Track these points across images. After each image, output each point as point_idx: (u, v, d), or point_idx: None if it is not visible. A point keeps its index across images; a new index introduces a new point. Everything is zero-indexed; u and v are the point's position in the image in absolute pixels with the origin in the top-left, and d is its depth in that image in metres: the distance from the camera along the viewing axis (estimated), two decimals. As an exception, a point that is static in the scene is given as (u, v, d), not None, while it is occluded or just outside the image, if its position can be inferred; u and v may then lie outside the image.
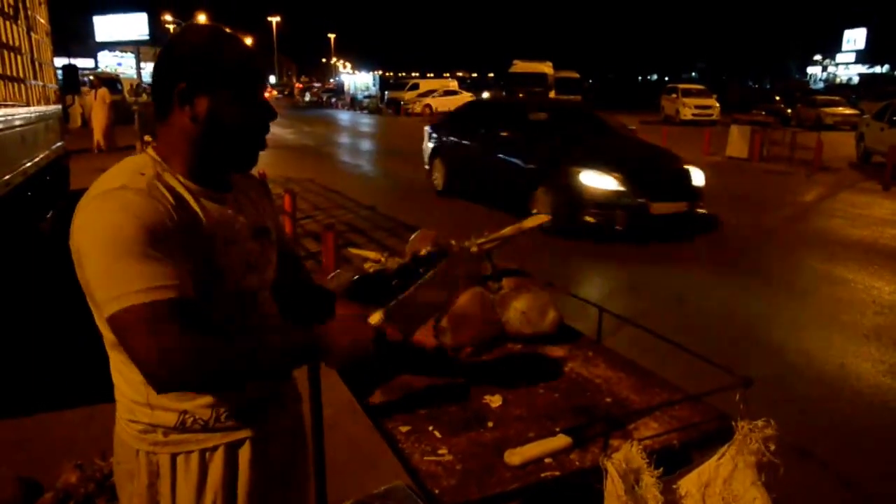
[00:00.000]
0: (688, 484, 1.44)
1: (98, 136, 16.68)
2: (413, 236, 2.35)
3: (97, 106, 16.86)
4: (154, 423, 1.43)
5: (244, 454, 1.51)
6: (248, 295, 1.49)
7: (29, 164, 6.21)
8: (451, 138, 11.30)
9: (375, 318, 1.44)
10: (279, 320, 1.62)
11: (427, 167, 11.92)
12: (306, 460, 1.82)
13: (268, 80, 1.56)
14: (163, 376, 1.22)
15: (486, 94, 51.09)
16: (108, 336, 1.39)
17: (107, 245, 1.24)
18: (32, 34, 6.95)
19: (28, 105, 6.45)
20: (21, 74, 6.22)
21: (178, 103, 1.38)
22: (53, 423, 3.79)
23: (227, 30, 1.45)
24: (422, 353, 1.60)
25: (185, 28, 1.46)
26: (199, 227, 1.37)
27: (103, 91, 17.22)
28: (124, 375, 1.43)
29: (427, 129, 12.13)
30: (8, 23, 5.91)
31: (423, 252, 2.12)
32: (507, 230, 2.10)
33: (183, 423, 1.43)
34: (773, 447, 1.37)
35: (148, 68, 49.96)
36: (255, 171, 1.61)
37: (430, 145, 11.78)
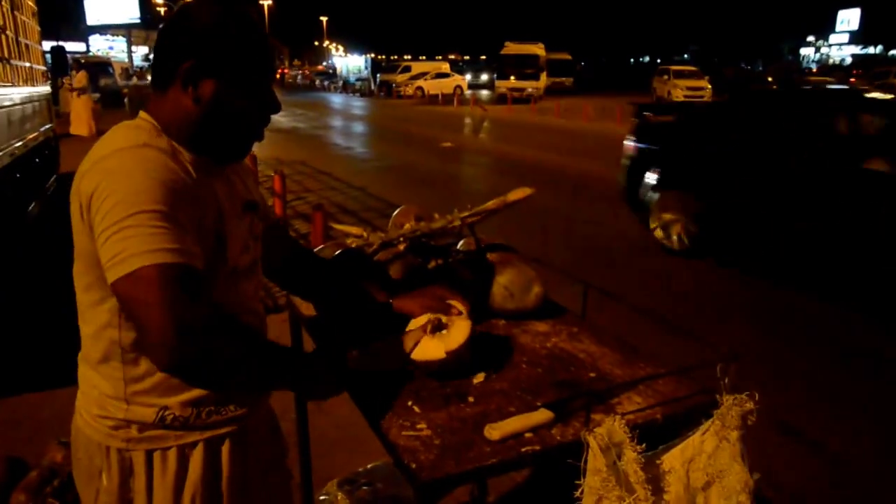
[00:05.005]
0: (671, 459, 1.43)
1: (82, 120, 16.39)
2: (396, 212, 2.33)
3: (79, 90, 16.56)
4: (129, 419, 1.37)
5: (225, 450, 1.46)
6: (241, 273, 1.45)
7: (18, 145, 6.15)
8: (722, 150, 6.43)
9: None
10: (261, 307, 1.59)
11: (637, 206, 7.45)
12: (285, 448, 1.79)
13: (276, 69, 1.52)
14: (177, 350, 1.11)
15: (484, 76, 50.95)
16: (93, 318, 1.35)
17: (130, 202, 1.16)
18: (17, 14, 6.85)
19: (14, 85, 6.37)
20: (5, 54, 6.14)
21: (181, 81, 1.31)
22: (42, 403, 3.78)
23: (245, 10, 1.36)
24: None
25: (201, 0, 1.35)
26: (210, 198, 1.33)
27: (82, 74, 16.90)
28: (98, 369, 1.38)
29: (633, 144, 7.55)
30: (-11, 2, 5.83)
31: (408, 226, 2.10)
32: (491, 203, 2.07)
33: (162, 420, 1.37)
34: (751, 420, 1.35)
35: (139, 52, 49.67)
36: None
37: (652, 176, 7.13)
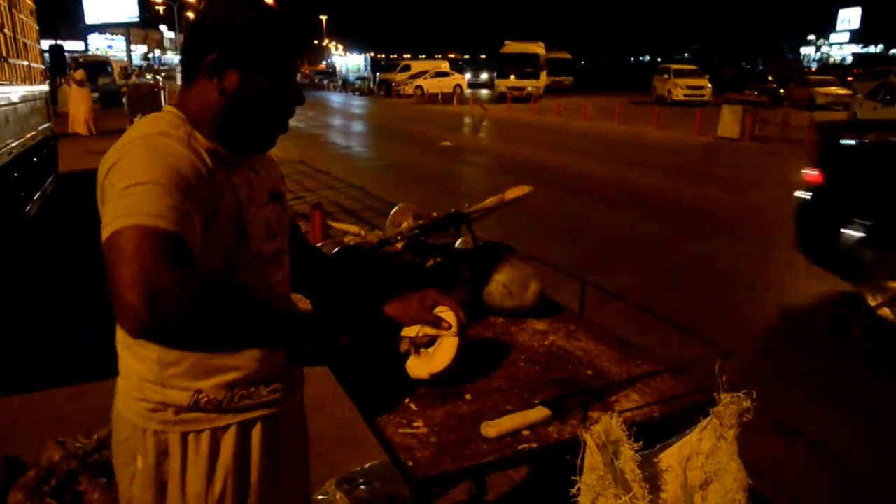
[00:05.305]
0: (669, 457, 1.42)
1: (80, 120, 16.35)
2: (394, 210, 2.32)
3: (76, 89, 16.52)
4: (165, 402, 1.38)
5: (256, 434, 1.48)
6: (265, 260, 1.46)
7: (14, 144, 6.14)
8: None
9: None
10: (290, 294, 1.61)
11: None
12: (307, 440, 1.79)
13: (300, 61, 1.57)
14: (143, 313, 1.08)
15: (484, 75, 50.98)
16: None
17: (133, 176, 1.19)
18: (15, 12, 6.84)
19: (12, 84, 6.36)
20: (3, 52, 6.13)
21: (206, 73, 1.34)
22: (39, 402, 3.78)
23: (269, 3, 1.40)
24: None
25: None
26: (226, 187, 1.35)
27: (80, 72, 16.85)
28: (135, 352, 1.39)
29: (819, 174, 5.45)
30: (-13, 0, 5.82)
31: (405, 225, 2.09)
32: (489, 201, 2.07)
33: (196, 403, 1.39)
34: (745, 418, 1.35)
35: (138, 51, 49.69)
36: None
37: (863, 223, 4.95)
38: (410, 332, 1.61)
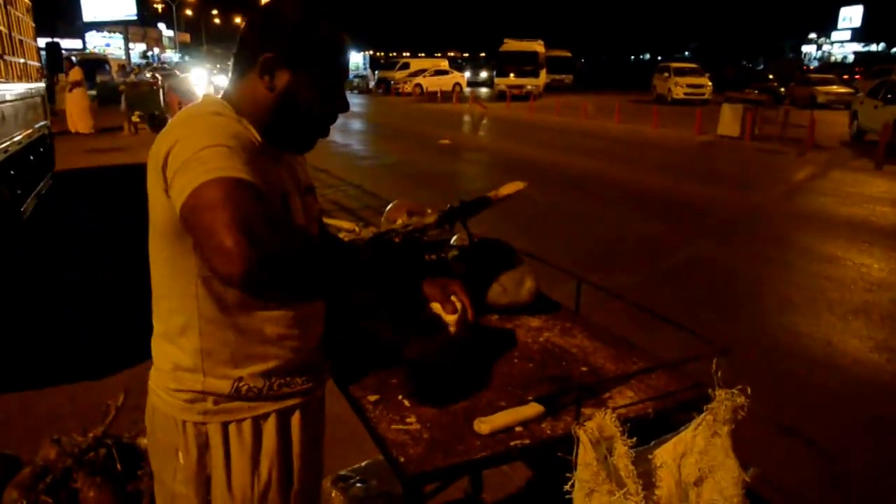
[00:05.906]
0: (663, 454, 1.41)
1: (77, 118, 16.31)
2: (389, 207, 2.31)
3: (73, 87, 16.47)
4: (206, 391, 1.39)
5: (295, 421, 1.50)
6: None
7: (10, 142, 6.12)
8: None
9: None
10: None
11: None
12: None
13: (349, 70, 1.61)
14: (246, 250, 1.10)
15: (483, 74, 50.89)
16: (171, 290, 1.38)
17: (199, 144, 1.21)
18: (10, 9, 6.83)
19: (7, 81, 6.34)
20: (-1, 50, 6.12)
21: (259, 70, 1.37)
22: (36, 400, 3.77)
23: (329, 11, 1.42)
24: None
25: None
26: (272, 171, 1.38)
27: (76, 70, 16.81)
28: (177, 342, 1.40)
29: None
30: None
31: (399, 222, 2.08)
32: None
33: (237, 391, 1.40)
34: (740, 415, 1.34)
35: (136, 49, 49.70)
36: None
37: None
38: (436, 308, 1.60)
